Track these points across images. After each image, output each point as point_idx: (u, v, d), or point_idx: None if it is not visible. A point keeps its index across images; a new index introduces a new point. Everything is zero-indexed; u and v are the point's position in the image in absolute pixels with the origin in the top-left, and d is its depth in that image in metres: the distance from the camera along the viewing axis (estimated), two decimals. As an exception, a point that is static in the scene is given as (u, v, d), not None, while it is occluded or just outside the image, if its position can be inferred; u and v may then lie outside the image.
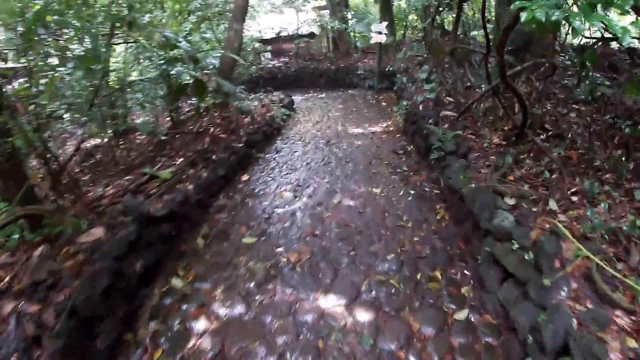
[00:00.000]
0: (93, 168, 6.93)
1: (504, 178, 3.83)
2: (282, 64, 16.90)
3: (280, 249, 4.08)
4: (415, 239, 4.13)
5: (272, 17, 20.26)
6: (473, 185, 3.84)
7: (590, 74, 6.11)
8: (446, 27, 11.16)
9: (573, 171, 4.36)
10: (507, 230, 3.09)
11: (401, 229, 4.31)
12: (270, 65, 17.16)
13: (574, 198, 3.59)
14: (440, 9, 8.78)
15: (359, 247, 4.03)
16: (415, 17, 14.97)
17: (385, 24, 11.49)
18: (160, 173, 4.87)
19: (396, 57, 11.74)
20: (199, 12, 12.13)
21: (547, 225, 3.05)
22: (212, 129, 7.75)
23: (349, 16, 16.14)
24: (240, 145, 6.72)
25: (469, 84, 7.48)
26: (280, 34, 18.22)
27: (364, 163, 6.26)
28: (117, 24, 5.99)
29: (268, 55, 20.73)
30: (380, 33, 11.61)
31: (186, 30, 11.62)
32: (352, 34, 16.28)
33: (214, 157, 5.96)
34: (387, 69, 11.98)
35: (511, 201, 3.37)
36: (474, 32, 11.18)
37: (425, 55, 10.57)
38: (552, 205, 3.34)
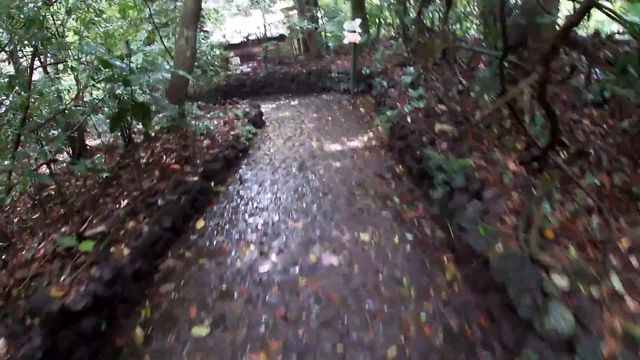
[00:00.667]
0: (44, 202, 5.85)
1: (542, 235, 2.82)
2: (250, 70, 15.74)
3: (241, 346, 2.99)
4: (422, 315, 3.09)
5: (238, 20, 19.09)
6: (500, 246, 2.82)
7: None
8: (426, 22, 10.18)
9: (612, 207, 3.42)
10: (565, 336, 2.09)
11: (401, 301, 3.26)
12: (238, 72, 16.03)
13: (633, 261, 2.63)
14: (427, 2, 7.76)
15: (348, 335, 2.97)
16: (389, 14, 14.02)
17: (358, 21, 10.45)
18: (82, 242, 3.71)
19: (373, 57, 10.72)
20: (155, 20, 10.97)
21: (619, 328, 2.06)
22: (164, 158, 6.60)
23: (319, 15, 15.08)
24: (196, 178, 5.59)
25: (460, 87, 6.52)
26: (249, 38, 17.05)
27: (346, 195, 5.19)
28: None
29: (237, 60, 19.57)
30: (353, 32, 10.56)
31: (140, 41, 10.51)
32: (323, 34, 15.21)
33: (159, 201, 4.82)
34: (363, 71, 10.95)
35: (563, 281, 2.36)
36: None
37: (405, 55, 9.59)
38: (616, 283, 2.35)
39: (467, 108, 5.56)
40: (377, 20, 14.87)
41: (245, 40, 17.20)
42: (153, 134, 7.24)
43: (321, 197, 5.19)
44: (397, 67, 9.68)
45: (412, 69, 7.47)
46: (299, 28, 13.34)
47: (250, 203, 5.30)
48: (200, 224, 4.87)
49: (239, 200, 5.46)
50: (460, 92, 6.20)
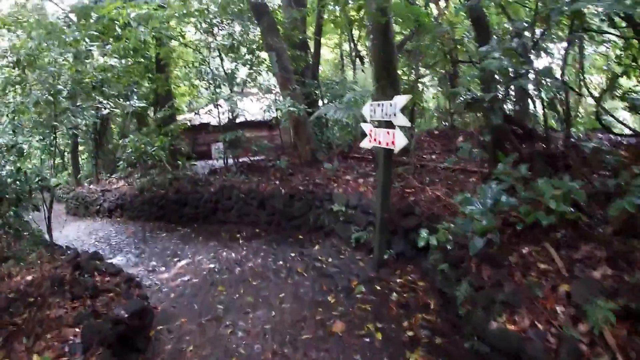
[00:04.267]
0: None
1: None
2: (203, 178, 9.50)
3: None
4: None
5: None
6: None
7: None
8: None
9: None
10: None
11: None
12: (190, 174, 9.96)
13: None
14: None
15: None
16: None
17: (401, 101, 4.21)
18: None
19: (462, 208, 4.27)
20: None
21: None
22: None
23: (318, 92, 9.09)
24: None
25: None
26: (235, 120, 11.00)
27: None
28: None
29: (219, 147, 13.58)
30: (389, 125, 4.38)
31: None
32: (326, 122, 9.12)
33: None
34: (404, 211, 4.53)
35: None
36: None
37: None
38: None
39: None
40: (420, 104, 8.71)
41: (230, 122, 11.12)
42: None
43: None
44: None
45: None
46: (275, 112, 7.20)
47: None
48: None
49: None
50: None
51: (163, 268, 6.19)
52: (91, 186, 12.97)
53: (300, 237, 6.63)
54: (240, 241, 6.93)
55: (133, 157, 10.79)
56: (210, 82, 9.09)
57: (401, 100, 4.24)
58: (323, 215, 6.40)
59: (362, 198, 5.77)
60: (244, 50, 9.50)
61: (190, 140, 16.37)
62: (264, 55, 9.54)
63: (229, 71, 9.68)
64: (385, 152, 4.52)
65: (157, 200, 9.50)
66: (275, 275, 5.26)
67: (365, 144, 4.90)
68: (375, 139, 4.62)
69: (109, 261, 6.85)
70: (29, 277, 5.26)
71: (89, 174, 15.11)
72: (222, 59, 9.62)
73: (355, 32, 12.75)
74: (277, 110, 7.61)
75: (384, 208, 4.65)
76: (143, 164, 11.28)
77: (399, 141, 4.15)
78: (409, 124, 4.21)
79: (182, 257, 6.52)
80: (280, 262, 5.68)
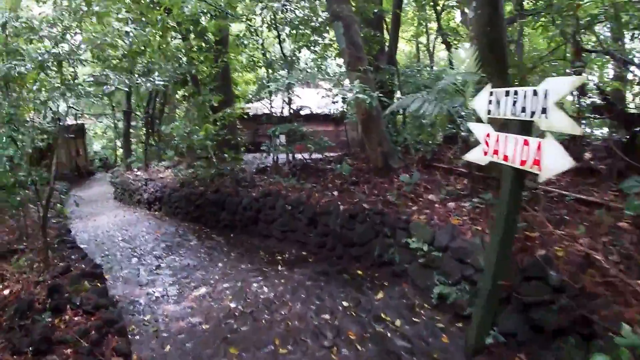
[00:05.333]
0: None
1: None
2: (248, 177, 8.00)
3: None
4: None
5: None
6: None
7: None
8: None
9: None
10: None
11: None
12: (237, 169, 8.57)
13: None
14: None
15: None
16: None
17: (564, 85, 2.26)
18: None
19: None
20: None
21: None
22: None
23: (395, 81, 7.19)
24: None
25: None
26: (300, 111, 9.56)
27: None
28: None
29: (282, 140, 12.15)
30: (527, 128, 2.43)
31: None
32: (400, 118, 7.22)
33: None
34: (526, 271, 2.57)
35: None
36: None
37: None
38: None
39: None
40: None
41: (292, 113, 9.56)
42: None
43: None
44: None
45: None
46: (340, 101, 5.46)
47: None
48: None
49: None
50: None
51: (174, 295, 4.72)
52: (138, 173, 12.11)
53: (359, 272, 4.84)
54: (280, 267, 5.29)
55: (182, 145, 9.65)
56: (263, 63, 7.53)
57: (561, 85, 2.28)
58: (393, 249, 4.55)
59: (456, 236, 3.84)
60: (307, 31, 7.88)
61: (252, 131, 15.14)
62: (331, 35, 7.84)
63: (289, 53, 8.10)
64: (515, 176, 2.59)
65: (195, 197, 8.19)
66: (315, 341, 3.53)
67: (476, 156, 2.99)
68: (496, 151, 2.71)
69: (120, 274, 5.57)
70: (6, 291, 4.12)
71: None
72: (280, 40, 8.05)
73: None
74: (342, 99, 5.83)
75: (501, 269, 2.73)
76: (193, 154, 10.12)
77: (553, 162, 2.20)
78: (577, 131, 2.26)
79: (203, 282, 5.01)
80: (326, 316, 3.93)
